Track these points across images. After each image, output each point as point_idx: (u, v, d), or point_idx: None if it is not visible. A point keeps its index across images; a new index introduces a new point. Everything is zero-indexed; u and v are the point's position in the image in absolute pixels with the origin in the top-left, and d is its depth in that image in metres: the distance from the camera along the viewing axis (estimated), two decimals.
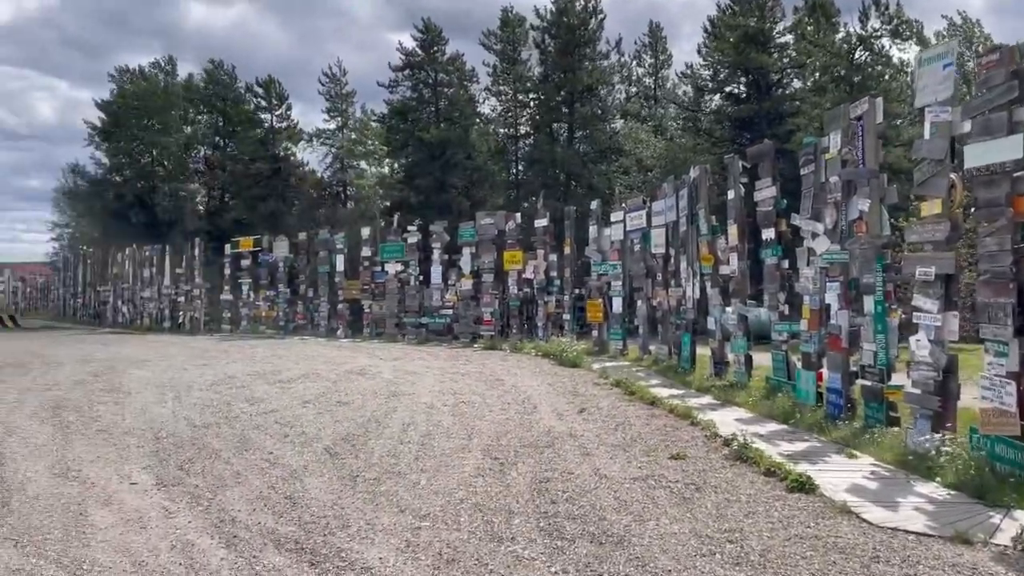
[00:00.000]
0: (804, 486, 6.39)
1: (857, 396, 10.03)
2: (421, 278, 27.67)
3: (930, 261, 8.34)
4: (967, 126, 7.97)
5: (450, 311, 26.40)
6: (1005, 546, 5.06)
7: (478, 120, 42.93)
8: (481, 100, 43.72)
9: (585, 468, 7.26)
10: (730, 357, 14.40)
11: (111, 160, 49.72)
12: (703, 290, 15.85)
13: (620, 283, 20.37)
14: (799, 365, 11.80)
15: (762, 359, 13.57)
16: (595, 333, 21.70)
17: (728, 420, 9.93)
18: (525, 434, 8.93)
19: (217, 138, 49.20)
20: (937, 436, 7.82)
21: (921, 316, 8.48)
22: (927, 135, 8.58)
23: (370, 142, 45.41)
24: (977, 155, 7.62)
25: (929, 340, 8.31)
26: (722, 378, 14.16)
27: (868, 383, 9.79)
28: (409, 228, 27.86)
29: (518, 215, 26.02)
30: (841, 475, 6.97)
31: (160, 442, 8.50)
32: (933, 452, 7.44)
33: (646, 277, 19.04)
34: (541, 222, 24.45)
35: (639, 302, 19.71)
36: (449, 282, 26.71)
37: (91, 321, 43.21)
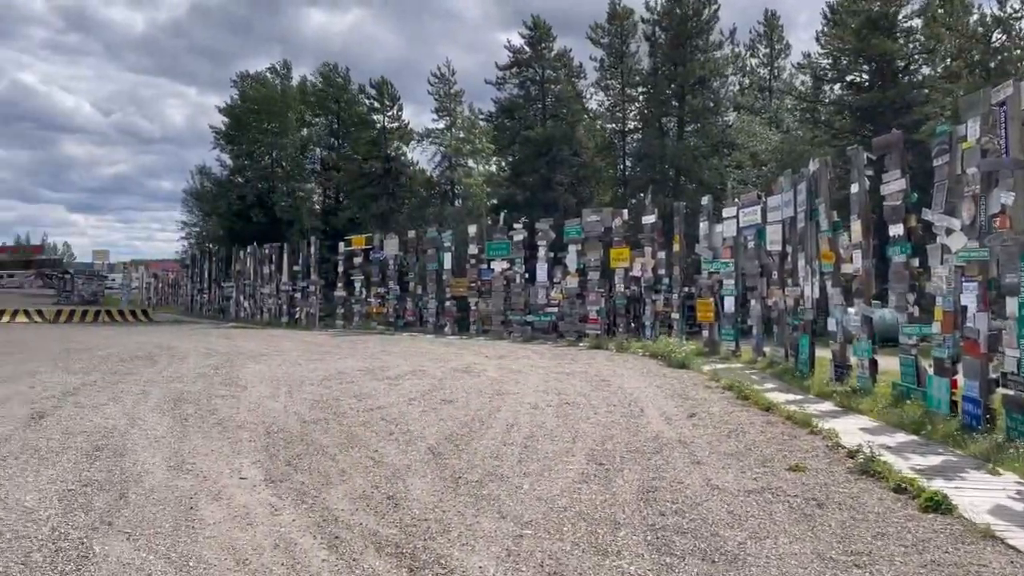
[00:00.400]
0: (940, 505, 5.83)
1: (997, 406, 9.21)
2: (527, 276, 27.63)
3: None
4: None
5: (555, 309, 26.24)
6: None
7: (585, 116, 42.51)
8: (588, 96, 43.37)
9: (695, 478, 6.90)
10: (853, 361, 13.59)
11: (234, 162, 52.28)
12: (823, 289, 15.05)
13: (732, 281, 19.65)
14: (930, 371, 10.97)
15: (887, 363, 12.73)
16: (705, 333, 21.02)
17: (851, 429, 9.31)
18: (631, 439, 8.62)
19: (332, 139, 50.83)
20: None
21: None
22: None
23: (477, 140, 45.80)
24: None
25: None
26: (844, 383, 13.36)
27: (1011, 392, 8.95)
28: (515, 226, 27.86)
29: (625, 212, 25.58)
30: (982, 494, 6.34)
31: (271, 437, 8.68)
32: None
33: (760, 275, 18.30)
34: (649, 219, 23.92)
35: (753, 301, 18.97)
36: (555, 280, 26.56)
37: (215, 316, 45.51)
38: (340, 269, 34.94)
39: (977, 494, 6.33)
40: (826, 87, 36.63)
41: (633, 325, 24.18)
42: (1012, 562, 4.78)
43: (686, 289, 22.76)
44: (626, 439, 8.60)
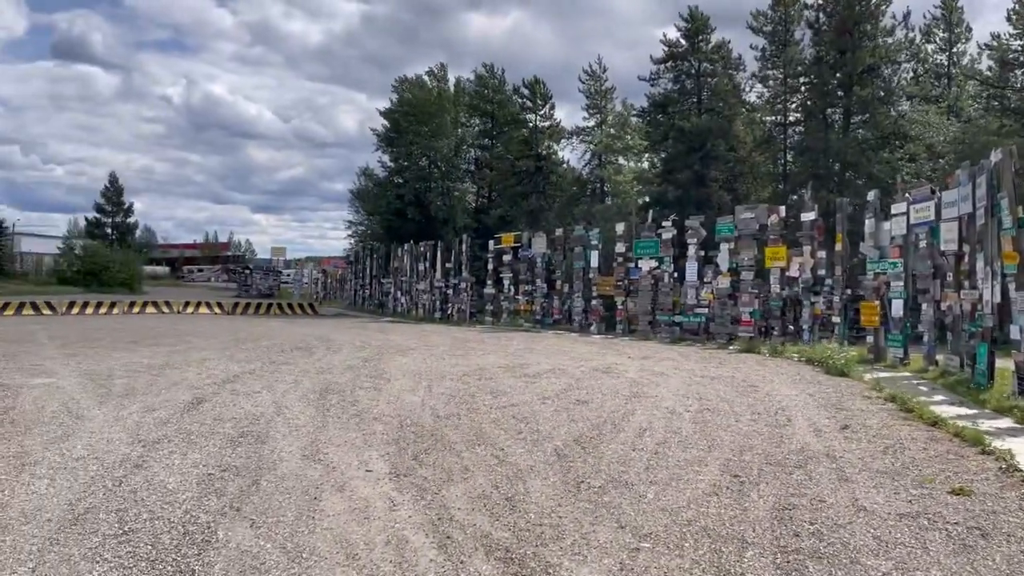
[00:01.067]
0: None
1: None
2: (676, 275, 26.84)
3: None
4: None
5: (705, 310, 25.32)
6: None
7: (743, 109, 40.79)
8: (747, 89, 41.60)
9: (841, 496, 6.30)
10: None
11: (393, 163, 54.44)
12: (1004, 293, 13.55)
13: (901, 283, 18.16)
14: None
15: None
16: (870, 339, 19.57)
17: None
18: (773, 450, 8.04)
19: (485, 139, 51.81)
20: None
21: None
22: None
23: (628, 137, 45.11)
24: None
25: None
26: None
27: None
28: (663, 224, 27.16)
29: (782, 208, 24.25)
30: None
31: (403, 430, 8.81)
32: None
33: (933, 277, 16.80)
34: (809, 216, 22.56)
35: (924, 305, 17.45)
36: (705, 280, 25.62)
37: (375, 310, 47.58)
38: (490, 267, 35.49)
39: None
40: (1016, 72, 33.05)
41: (790, 328, 22.91)
42: None
43: (849, 291, 21.26)
44: (767, 450, 8.03)
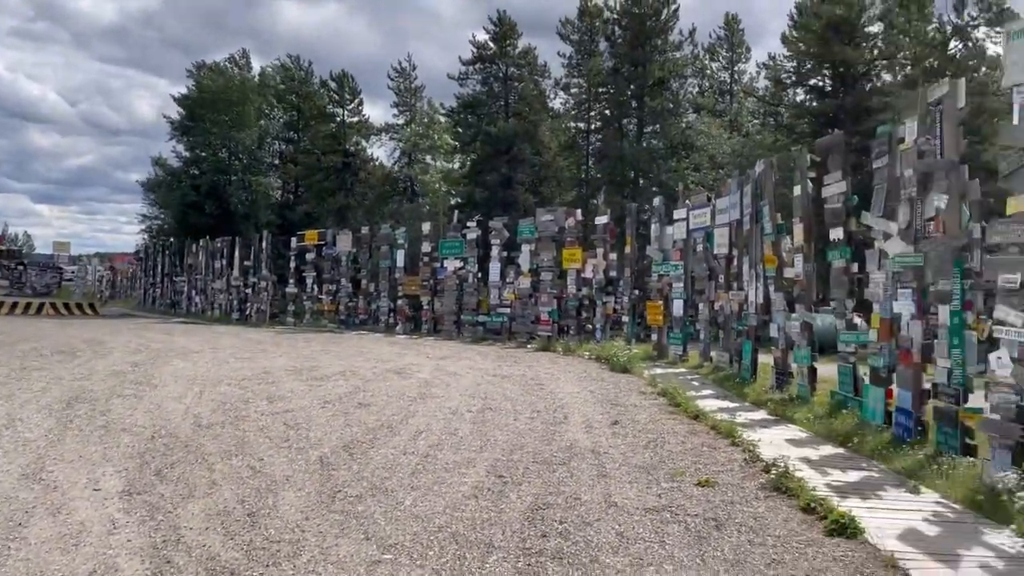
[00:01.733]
0: (846, 529, 5.37)
1: (929, 418, 8.84)
2: (480, 275, 27.06)
3: (1015, 266, 7.14)
4: None
5: (508, 310, 25.69)
6: None
7: (548, 116, 41.97)
8: (552, 95, 42.87)
9: (596, 493, 6.39)
10: (793, 368, 13.25)
11: (189, 153, 50.93)
12: (767, 294, 14.71)
13: (681, 285, 19.27)
14: (867, 380, 10.62)
15: (831, 371, 12.37)
16: (655, 337, 20.64)
17: (778, 440, 8.89)
18: (543, 448, 8.10)
19: (291, 132, 49.76)
20: (1017, 473, 6.66)
21: (1003, 330, 7.27)
22: (1016, 119, 7.37)
23: (436, 136, 45.09)
24: None
25: (1012, 358, 7.11)
26: (784, 391, 13.04)
27: (941, 404, 8.60)
28: (468, 224, 27.29)
29: (579, 211, 25.11)
30: (896, 515, 5.90)
31: (153, 442, 8.02)
32: (1011, 491, 6.31)
33: (709, 279, 17.95)
34: (602, 219, 23.49)
35: (700, 305, 18.63)
36: (507, 280, 26.00)
37: (167, 310, 44.34)
38: (292, 265, 34.08)
39: (891, 515, 5.89)
40: (788, 91, 36.47)
41: (585, 327, 23.74)
42: None
43: (637, 291, 22.34)
44: (537, 449, 8.07)
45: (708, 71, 41.99)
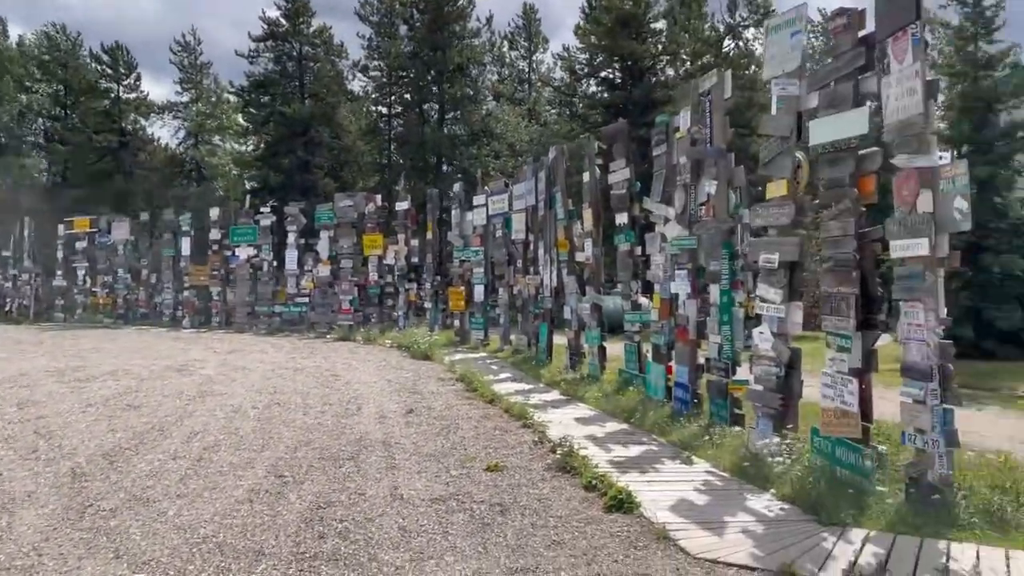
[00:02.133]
0: (623, 504, 5.50)
1: (704, 391, 9.40)
2: (276, 264, 25.79)
3: (774, 247, 7.69)
4: (814, 100, 7.32)
5: (307, 299, 24.71)
6: None
7: (347, 98, 40.73)
8: (351, 77, 41.63)
9: (383, 487, 6.14)
10: (585, 348, 13.69)
11: None
12: (560, 278, 15.11)
13: (482, 270, 19.42)
14: (650, 357, 11.14)
15: (620, 350, 12.89)
16: (457, 323, 20.68)
17: (567, 420, 9.08)
18: (331, 443, 7.72)
19: (57, 109, 44.74)
20: (777, 439, 7.20)
21: (764, 306, 7.83)
22: (774, 110, 7.93)
23: (225, 116, 42.44)
24: (823, 131, 6.97)
25: (772, 332, 7.67)
26: (577, 371, 13.44)
27: (713, 378, 9.16)
28: (262, 210, 25.93)
29: (379, 197, 24.62)
30: (670, 487, 6.15)
31: None
32: (773, 457, 6.80)
33: (508, 264, 18.20)
34: (402, 205, 23.17)
35: (500, 290, 18.87)
36: (306, 268, 24.99)
37: None
38: (60, 255, 30.74)
39: (666, 487, 6.13)
40: (582, 82, 37.88)
41: (388, 315, 23.34)
42: (678, 568, 4.46)
43: (439, 278, 22.25)
44: (325, 443, 7.68)
45: (508, 60, 42.69)
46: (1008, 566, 4.50)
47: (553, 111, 39.80)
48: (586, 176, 13.67)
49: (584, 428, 8.51)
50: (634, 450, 7.49)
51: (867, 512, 5.39)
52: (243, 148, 42.69)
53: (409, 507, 5.61)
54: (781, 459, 6.42)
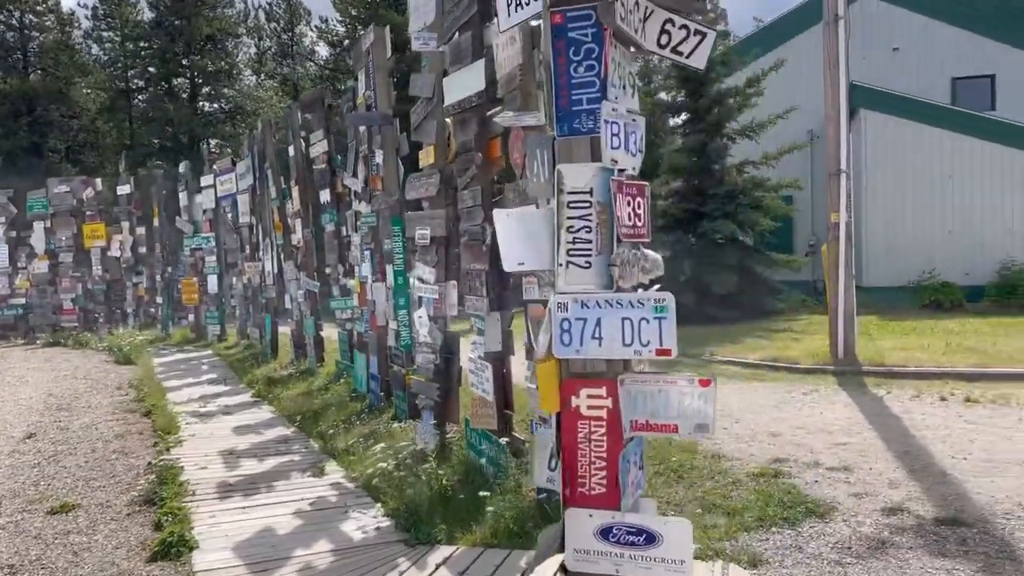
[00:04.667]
0: (171, 548, 4.38)
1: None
2: None
3: (425, 221, 6.90)
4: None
5: (23, 300, 21.55)
6: None
7: (83, 73, 36.18)
8: (86, 49, 36.92)
9: None
10: (307, 339, 12.55)
11: None
12: (281, 263, 13.81)
13: (215, 258, 17.63)
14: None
15: None
16: (191, 318, 18.78)
17: (226, 430, 7.87)
18: None
19: None
20: (437, 435, 6.46)
21: (422, 287, 7.05)
22: (423, 68, 7.12)
23: None
24: (451, 89, 6.21)
25: (429, 316, 6.90)
26: (301, 364, 12.30)
27: (395, 367, 8.35)
28: None
29: (99, 181, 21.80)
30: (269, 511, 5.14)
31: None
32: (431, 455, 6.05)
33: (240, 250, 16.56)
34: (124, 189, 20.64)
35: (235, 279, 17.22)
36: (19, 265, 21.76)
37: None
38: None
39: (261, 513, 5.09)
40: (345, 56, 36.01)
41: (116, 313, 20.85)
42: None
43: (170, 269, 20.08)
44: None
45: (267, 32, 39.66)
46: None
47: (313, 87, 37.65)
48: (291, 150, 12.44)
49: (235, 440, 7.37)
50: (269, 463, 6.44)
51: (484, 520, 4.68)
52: None
53: None
54: (427, 465, 5.62)
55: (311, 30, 37.77)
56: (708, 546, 4.21)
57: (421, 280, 7.06)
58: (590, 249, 3.03)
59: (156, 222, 20.00)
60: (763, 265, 15.76)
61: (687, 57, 3.42)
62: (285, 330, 13.90)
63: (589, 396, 3.14)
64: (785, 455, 5.95)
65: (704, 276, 14.58)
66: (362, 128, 9.05)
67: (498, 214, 3.35)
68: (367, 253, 9.14)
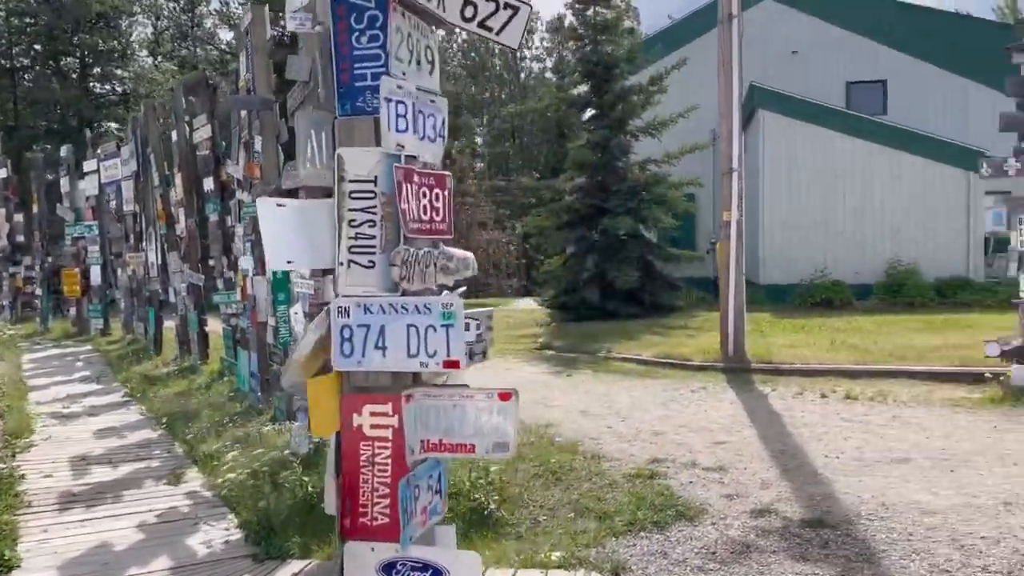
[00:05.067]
0: None
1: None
2: None
3: None
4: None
5: None
6: None
7: None
8: None
9: None
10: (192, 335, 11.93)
11: None
12: (164, 254, 13.09)
13: (98, 248, 16.65)
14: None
15: None
16: (73, 311, 17.72)
17: (86, 434, 7.33)
18: None
19: None
20: (308, 437, 6.12)
21: (300, 283, 6.68)
22: (300, 51, 6.73)
23: None
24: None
25: (304, 313, 6.54)
26: (185, 360, 11.68)
27: (275, 366, 7.93)
28: None
29: None
30: (109, 524, 4.72)
31: None
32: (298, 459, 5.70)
33: (125, 240, 15.66)
34: (1, 173, 19.28)
35: (119, 271, 16.30)
36: None
37: None
38: None
39: (103, 527, 4.67)
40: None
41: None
42: None
43: (50, 259, 18.87)
44: None
45: (165, 12, 37.72)
46: None
47: (216, 70, 36.21)
48: (175, 135, 11.79)
49: (92, 444, 6.85)
50: (123, 470, 5.98)
51: None
52: None
53: None
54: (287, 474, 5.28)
55: (211, 12, 36.23)
56: (573, 554, 4.05)
57: (300, 276, 6.69)
58: (374, 246, 2.75)
59: (35, 208, 18.76)
60: (664, 261, 15.91)
61: (497, 33, 3.15)
62: (171, 324, 13.20)
63: (372, 414, 2.83)
64: (664, 455, 5.88)
65: (607, 272, 14.60)
66: (243, 113, 8.58)
67: (265, 204, 3.01)
68: (248, 245, 8.67)
